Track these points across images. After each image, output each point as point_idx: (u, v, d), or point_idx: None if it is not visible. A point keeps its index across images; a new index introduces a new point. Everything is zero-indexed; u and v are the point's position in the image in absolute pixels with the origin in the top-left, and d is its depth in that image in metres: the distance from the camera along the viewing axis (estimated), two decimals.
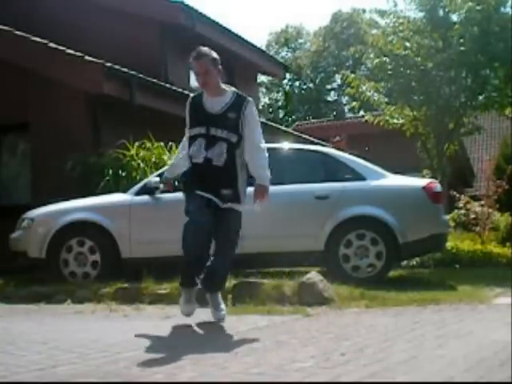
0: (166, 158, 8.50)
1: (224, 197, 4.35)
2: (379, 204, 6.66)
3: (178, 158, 4.80)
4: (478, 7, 10.29)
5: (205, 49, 4.44)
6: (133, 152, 8.42)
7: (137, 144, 8.54)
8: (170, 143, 8.66)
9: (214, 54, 4.44)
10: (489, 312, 4.86)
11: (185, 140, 4.64)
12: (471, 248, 9.30)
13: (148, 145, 8.61)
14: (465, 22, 10.55)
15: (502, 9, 10.83)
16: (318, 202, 6.68)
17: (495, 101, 11.07)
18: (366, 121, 12.41)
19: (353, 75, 11.96)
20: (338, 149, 8.98)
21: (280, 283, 5.56)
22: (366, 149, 12.13)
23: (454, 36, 10.50)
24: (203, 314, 4.81)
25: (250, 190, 4.52)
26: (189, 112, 4.52)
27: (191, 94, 4.69)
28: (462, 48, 10.32)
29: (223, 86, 4.48)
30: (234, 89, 4.51)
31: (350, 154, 7.65)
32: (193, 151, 4.38)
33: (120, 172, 8.27)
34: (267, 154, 4.44)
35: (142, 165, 8.31)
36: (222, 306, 4.57)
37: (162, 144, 8.70)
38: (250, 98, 4.47)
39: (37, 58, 9.29)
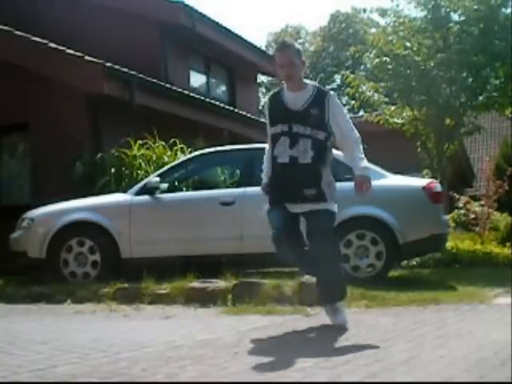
0: (166, 157, 8.52)
1: (307, 198, 4.12)
2: (379, 204, 6.65)
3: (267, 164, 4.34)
4: (480, 6, 10.28)
5: (289, 40, 4.30)
6: (135, 151, 8.43)
7: (139, 143, 8.55)
8: (173, 139, 8.70)
9: (298, 46, 4.26)
10: (489, 312, 4.86)
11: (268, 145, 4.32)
12: (471, 248, 9.29)
13: (150, 143, 8.62)
14: (466, 21, 10.54)
15: (503, 9, 10.83)
16: None
17: (495, 101, 11.05)
18: (366, 120, 12.40)
19: (352, 75, 11.94)
20: (338, 148, 8.95)
21: (280, 283, 5.56)
22: (365, 146, 12.09)
23: (454, 35, 10.50)
24: (205, 314, 4.82)
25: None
26: (269, 109, 4.26)
27: (271, 92, 4.36)
28: (463, 47, 10.32)
29: (305, 80, 4.26)
30: (314, 83, 4.31)
31: None
32: (278, 151, 4.14)
33: (123, 170, 8.29)
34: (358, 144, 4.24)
35: (143, 164, 8.32)
36: (343, 314, 4.22)
37: (163, 143, 8.72)
38: (331, 92, 4.29)
39: (37, 58, 9.29)
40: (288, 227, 4.12)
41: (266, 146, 4.35)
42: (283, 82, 4.26)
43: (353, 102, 13.35)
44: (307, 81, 4.27)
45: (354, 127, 4.29)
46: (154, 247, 6.78)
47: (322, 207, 4.14)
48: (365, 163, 4.21)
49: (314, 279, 5.39)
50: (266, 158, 4.33)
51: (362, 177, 4.13)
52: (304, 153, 4.09)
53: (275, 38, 45.63)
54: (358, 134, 4.28)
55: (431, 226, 6.80)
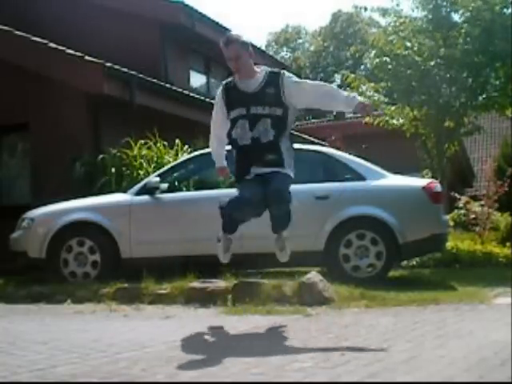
0: (167, 157, 8.52)
1: (268, 162, 4.31)
2: (379, 204, 6.65)
3: (218, 148, 4.68)
4: (485, 7, 10.27)
5: (234, 34, 4.45)
6: (136, 151, 8.43)
7: (140, 142, 8.55)
8: (177, 141, 8.70)
9: (244, 38, 4.42)
10: (489, 312, 4.86)
11: (213, 131, 4.61)
12: (471, 248, 9.29)
13: (151, 143, 8.63)
14: (470, 21, 10.52)
15: (505, 10, 10.81)
16: (318, 202, 6.67)
17: (495, 101, 11.05)
18: (366, 123, 12.37)
19: (353, 75, 11.93)
20: (335, 148, 8.97)
21: (280, 283, 5.56)
22: (364, 146, 12.10)
23: (457, 36, 10.49)
24: (204, 314, 4.82)
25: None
26: (225, 96, 4.44)
27: (223, 81, 4.56)
28: (465, 47, 10.31)
29: (255, 68, 4.44)
30: (266, 67, 4.48)
31: (350, 153, 7.64)
32: (237, 134, 4.35)
33: (123, 170, 8.29)
34: None
35: (144, 164, 8.32)
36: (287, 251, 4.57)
37: (164, 143, 8.73)
38: (283, 71, 4.46)
39: (37, 58, 9.29)
40: (255, 202, 4.27)
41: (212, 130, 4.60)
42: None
43: None
44: (258, 68, 4.45)
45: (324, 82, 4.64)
46: (153, 247, 6.78)
47: (281, 170, 4.35)
48: (350, 94, 4.41)
49: (314, 279, 5.42)
50: (213, 141, 4.64)
51: (361, 103, 4.33)
52: (265, 132, 4.31)
53: (275, 38, 45.70)
54: (331, 85, 4.63)
55: (431, 226, 6.80)
